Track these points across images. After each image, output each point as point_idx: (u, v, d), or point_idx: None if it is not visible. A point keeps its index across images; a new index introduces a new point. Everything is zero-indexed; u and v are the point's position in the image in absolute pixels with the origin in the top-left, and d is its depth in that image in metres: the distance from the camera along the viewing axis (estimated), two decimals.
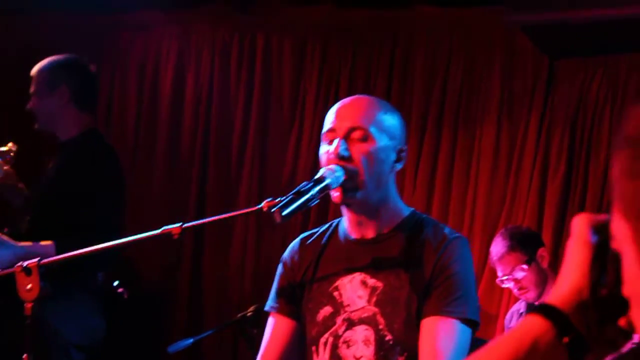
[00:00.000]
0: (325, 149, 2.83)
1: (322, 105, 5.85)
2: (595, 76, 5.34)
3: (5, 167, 4.42)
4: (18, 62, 5.50)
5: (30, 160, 4.68)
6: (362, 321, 2.82)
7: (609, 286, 1.28)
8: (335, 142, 2.79)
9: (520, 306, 4.87)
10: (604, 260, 1.29)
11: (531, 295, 4.67)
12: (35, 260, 2.89)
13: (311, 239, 3.01)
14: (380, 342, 2.79)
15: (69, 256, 3.02)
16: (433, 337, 2.72)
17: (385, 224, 2.87)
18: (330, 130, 2.83)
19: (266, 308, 3.03)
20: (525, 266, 4.64)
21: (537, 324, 1.31)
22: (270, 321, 3.01)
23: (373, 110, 2.86)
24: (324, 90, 5.94)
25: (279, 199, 2.68)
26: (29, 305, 2.88)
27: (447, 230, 2.86)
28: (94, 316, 4.38)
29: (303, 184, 2.73)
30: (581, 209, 5.24)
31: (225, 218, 3.02)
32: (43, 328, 3.92)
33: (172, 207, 6.13)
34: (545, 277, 4.67)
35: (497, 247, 4.71)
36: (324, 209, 5.47)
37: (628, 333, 1.28)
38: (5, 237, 4.13)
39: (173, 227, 2.83)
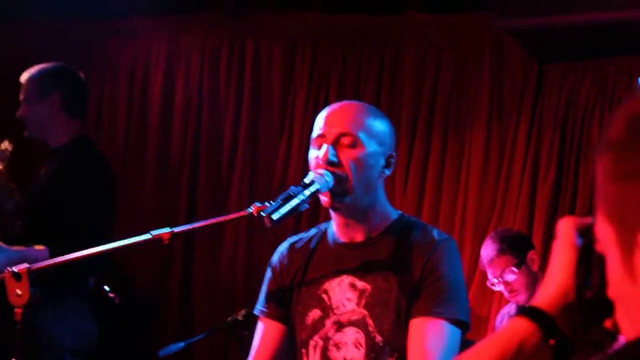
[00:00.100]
0: (315, 154, 2.84)
1: (312, 110, 5.85)
2: (584, 80, 5.35)
3: None
4: (7, 69, 5.50)
5: (21, 166, 4.67)
6: (351, 323, 2.83)
7: (594, 288, 1.29)
8: (324, 147, 2.80)
9: (510, 308, 4.87)
10: (589, 263, 1.30)
11: (522, 297, 4.67)
12: (25, 265, 2.90)
13: (300, 243, 3.02)
14: (370, 344, 2.80)
15: (60, 261, 3.03)
16: (422, 338, 2.73)
17: (373, 228, 2.88)
18: (320, 135, 2.84)
19: (255, 312, 3.03)
20: (515, 269, 4.65)
21: (524, 326, 1.32)
22: (260, 325, 3.02)
23: (362, 116, 2.86)
24: (314, 95, 5.95)
25: (268, 203, 2.69)
26: (18, 311, 2.88)
27: (435, 232, 2.87)
28: (87, 320, 4.38)
29: (292, 188, 2.74)
30: (571, 212, 5.25)
31: (215, 223, 3.02)
32: (36, 333, 3.93)
33: (162, 212, 6.13)
34: (536, 279, 4.67)
35: (487, 250, 4.71)
36: (315, 213, 5.47)
37: (613, 335, 1.29)
38: None
39: (163, 232, 2.84)
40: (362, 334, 2.81)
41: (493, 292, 5.08)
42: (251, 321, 3.31)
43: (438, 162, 5.65)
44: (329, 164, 2.78)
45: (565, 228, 1.36)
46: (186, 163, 6.21)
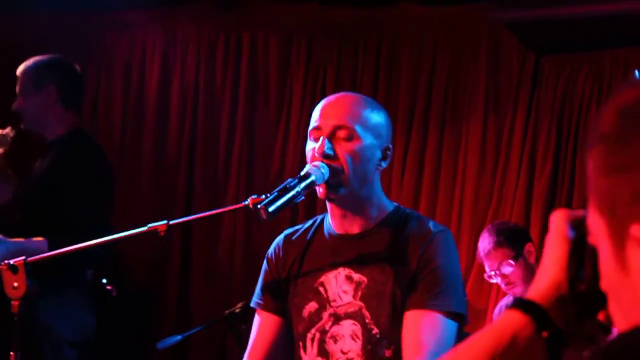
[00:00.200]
0: (311, 146, 2.83)
1: (308, 102, 5.86)
2: (581, 72, 5.35)
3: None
4: (3, 61, 5.48)
5: (17, 159, 4.67)
6: (348, 316, 2.83)
7: (586, 281, 1.29)
8: (320, 140, 2.80)
9: (508, 301, 4.87)
10: (582, 255, 1.30)
11: (519, 290, 4.67)
12: (22, 258, 2.90)
13: (296, 235, 3.01)
14: (367, 336, 2.80)
15: (56, 253, 3.03)
16: (416, 330, 2.73)
17: (369, 220, 2.88)
18: (316, 128, 2.83)
19: (252, 304, 3.03)
20: (512, 262, 4.65)
21: (517, 319, 1.32)
22: (257, 318, 3.02)
23: (359, 108, 2.85)
24: (310, 88, 5.95)
25: (264, 195, 2.69)
26: (15, 303, 2.88)
27: (431, 224, 2.87)
28: (85, 312, 4.38)
29: (288, 180, 2.74)
30: (568, 204, 5.26)
31: (211, 215, 3.03)
32: (34, 325, 3.93)
33: (159, 205, 6.13)
34: (533, 272, 4.66)
35: (484, 242, 4.71)
36: (312, 204, 5.48)
37: (607, 327, 1.29)
38: None
39: (159, 225, 2.84)
40: (358, 326, 2.82)
41: (490, 284, 5.08)
42: (249, 314, 3.31)
43: (435, 155, 5.65)
44: (325, 157, 2.78)
45: (558, 221, 1.36)
46: (183, 155, 6.21)
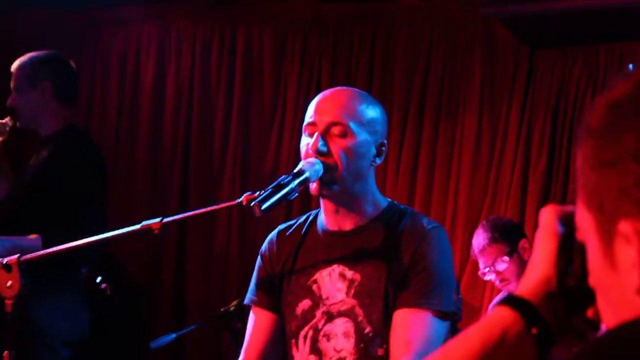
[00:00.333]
0: (306, 142, 2.83)
1: (303, 97, 5.86)
2: (575, 66, 5.36)
3: None
4: None
5: (12, 155, 4.67)
6: (341, 314, 2.82)
7: (575, 277, 1.29)
8: (314, 136, 2.79)
9: (504, 296, 4.87)
10: (571, 251, 1.30)
11: (513, 286, 4.65)
12: (15, 256, 2.89)
13: (289, 231, 3.00)
14: (360, 335, 2.79)
15: (51, 252, 3.02)
16: (404, 328, 2.72)
17: (363, 216, 2.87)
18: (311, 123, 2.82)
19: (246, 301, 3.02)
20: (506, 258, 4.64)
21: (506, 315, 1.31)
22: (251, 315, 3.01)
23: (354, 104, 2.84)
24: (305, 83, 5.96)
25: (258, 192, 2.69)
26: (9, 302, 2.87)
27: (425, 221, 2.86)
28: (80, 311, 4.38)
29: (282, 177, 2.73)
30: (563, 198, 5.26)
31: (205, 212, 3.02)
32: (28, 324, 3.92)
33: (154, 201, 6.14)
34: None
35: (479, 239, 4.70)
36: (307, 201, 5.47)
37: (595, 323, 1.29)
38: None
39: (153, 222, 2.82)
40: (351, 324, 2.81)
41: (485, 281, 5.08)
42: (244, 312, 3.31)
43: (430, 149, 5.65)
44: (319, 153, 2.77)
45: (547, 216, 1.35)
46: (178, 151, 6.21)
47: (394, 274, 2.77)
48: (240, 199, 2.71)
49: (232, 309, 4.06)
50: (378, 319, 2.78)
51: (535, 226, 4.98)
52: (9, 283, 2.86)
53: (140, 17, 6.28)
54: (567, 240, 1.31)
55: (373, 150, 2.85)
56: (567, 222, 1.31)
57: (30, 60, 4.49)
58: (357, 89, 3.01)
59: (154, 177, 6.26)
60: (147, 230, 2.82)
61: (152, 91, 6.28)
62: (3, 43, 6.04)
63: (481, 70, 5.56)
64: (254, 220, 5.73)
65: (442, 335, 2.76)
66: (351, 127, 2.79)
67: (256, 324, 2.98)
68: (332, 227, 2.90)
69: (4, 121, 4.45)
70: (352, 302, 2.81)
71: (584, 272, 1.24)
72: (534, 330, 1.30)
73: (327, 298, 2.85)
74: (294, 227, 3.01)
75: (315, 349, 2.85)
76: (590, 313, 1.29)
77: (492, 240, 4.64)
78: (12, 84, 4.47)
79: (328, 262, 2.87)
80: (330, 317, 2.84)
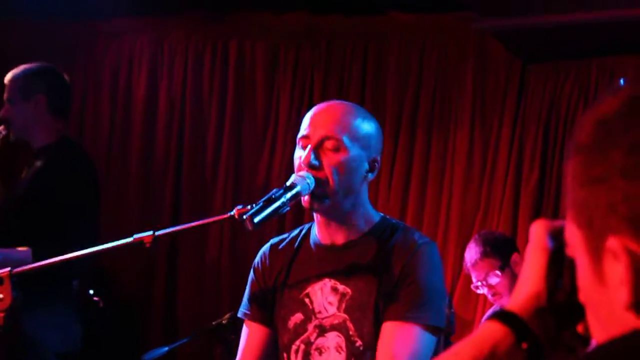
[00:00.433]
0: (299, 154, 2.83)
1: (295, 110, 5.87)
2: (567, 80, 5.37)
3: None
4: None
5: (3, 167, 4.67)
6: (333, 328, 2.82)
7: (565, 292, 1.29)
8: (307, 150, 2.80)
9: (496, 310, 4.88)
10: (561, 266, 1.30)
11: (505, 300, 4.65)
12: (7, 269, 2.88)
13: (282, 244, 3.00)
14: (351, 349, 2.79)
15: (43, 264, 3.01)
16: (390, 342, 2.71)
17: (355, 230, 2.87)
18: (305, 136, 2.82)
19: (239, 315, 3.03)
20: (499, 272, 4.64)
21: (496, 330, 1.32)
22: (245, 328, 3.01)
23: (348, 118, 2.84)
24: (298, 96, 5.96)
25: (250, 206, 2.69)
26: (1, 315, 2.87)
27: (416, 235, 2.85)
28: (72, 323, 4.38)
29: (274, 190, 2.73)
30: (555, 212, 5.26)
31: (197, 225, 3.02)
32: (21, 337, 3.92)
33: (146, 214, 6.13)
34: None
35: (471, 253, 4.71)
36: (299, 214, 5.47)
37: (585, 339, 1.29)
38: None
39: (145, 235, 2.82)
40: (342, 338, 2.81)
41: (477, 295, 5.08)
42: (237, 325, 3.31)
43: (422, 163, 5.66)
44: (310, 167, 2.77)
45: (537, 231, 1.35)
46: (170, 164, 6.21)
47: (384, 288, 2.77)
48: (232, 212, 2.71)
49: (224, 322, 4.06)
50: (369, 333, 2.77)
51: (527, 240, 4.99)
52: (1, 296, 2.85)
53: (133, 30, 6.28)
54: (557, 255, 1.31)
55: (366, 166, 2.85)
56: (557, 237, 1.32)
57: (24, 72, 4.49)
58: (353, 104, 3.01)
59: (146, 190, 6.25)
60: (139, 243, 2.82)
61: (144, 103, 6.28)
62: None
63: (473, 84, 5.56)
64: (246, 233, 5.71)
65: (430, 350, 2.75)
66: (344, 142, 2.79)
67: (249, 338, 2.98)
68: (325, 240, 2.90)
69: None
70: (343, 316, 2.81)
71: (573, 287, 1.24)
72: (524, 345, 1.31)
73: (319, 312, 2.85)
74: (286, 240, 3.01)
75: None
76: (580, 328, 1.29)
77: (484, 255, 4.65)
78: (5, 96, 4.48)
79: (320, 276, 2.87)
80: (322, 330, 2.84)
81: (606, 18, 4.72)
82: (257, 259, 3.03)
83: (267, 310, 2.96)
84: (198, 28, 6.21)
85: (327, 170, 2.78)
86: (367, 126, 2.86)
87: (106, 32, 6.35)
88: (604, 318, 1.15)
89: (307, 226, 3.03)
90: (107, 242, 2.92)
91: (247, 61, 6.11)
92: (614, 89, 1.17)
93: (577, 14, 4.73)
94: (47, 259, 2.97)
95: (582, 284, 1.19)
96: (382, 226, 2.89)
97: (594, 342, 1.23)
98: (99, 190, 4.53)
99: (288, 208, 2.74)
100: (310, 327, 2.86)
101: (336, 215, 2.85)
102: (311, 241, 2.95)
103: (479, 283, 4.70)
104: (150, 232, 2.81)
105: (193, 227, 2.99)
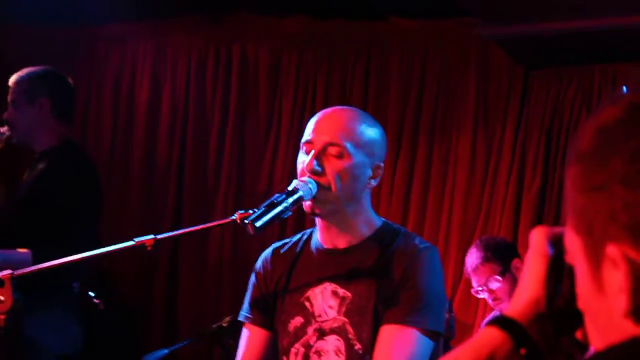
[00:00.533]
0: (302, 159, 2.84)
1: (298, 115, 5.87)
2: (570, 86, 5.37)
3: None
4: None
5: (5, 169, 4.67)
6: (332, 331, 2.83)
7: (564, 299, 1.30)
8: (310, 155, 2.80)
9: (496, 315, 4.87)
10: (561, 273, 1.31)
11: (506, 305, 4.66)
12: (8, 271, 2.89)
13: (284, 249, 3.02)
14: (350, 352, 2.80)
15: (43, 267, 3.01)
16: (388, 345, 2.72)
17: (357, 235, 2.88)
18: (308, 142, 2.83)
19: (240, 318, 3.03)
20: (499, 277, 4.65)
21: (495, 336, 1.32)
22: (244, 332, 3.02)
23: (353, 124, 2.84)
24: (300, 100, 5.96)
25: (251, 210, 2.69)
26: (1, 317, 2.87)
27: (417, 240, 2.86)
28: (72, 326, 4.38)
29: (276, 195, 2.74)
30: (557, 218, 5.26)
31: (198, 230, 3.02)
32: (22, 339, 3.91)
33: (148, 217, 6.13)
34: None
35: (472, 258, 4.72)
36: (301, 219, 5.47)
37: (584, 346, 1.30)
38: None
39: (147, 239, 2.83)
40: (342, 341, 2.81)
41: (478, 299, 5.08)
42: (236, 328, 3.31)
43: (424, 169, 5.65)
44: (313, 173, 2.78)
45: (537, 238, 1.36)
46: (172, 168, 6.21)
47: (384, 292, 2.78)
48: (234, 217, 2.72)
49: (225, 325, 4.06)
50: (368, 337, 2.78)
51: (528, 246, 4.98)
52: (2, 298, 2.86)
53: (135, 34, 6.29)
54: (557, 261, 1.31)
55: (369, 172, 2.86)
56: (557, 244, 1.32)
57: (28, 75, 4.49)
58: (357, 109, 3.01)
59: (148, 194, 6.26)
60: (141, 246, 2.83)
61: (147, 107, 6.29)
62: None
63: (475, 90, 5.56)
64: (247, 237, 5.72)
65: (427, 354, 2.75)
66: (347, 149, 2.79)
67: (249, 341, 2.99)
68: (326, 245, 2.91)
69: (1, 130, 4.46)
70: (343, 319, 2.82)
71: (573, 294, 1.24)
72: (522, 351, 1.31)
73: (319, 315, 2.86)
74: (288, 245, 3.02)
75: None
76: (579, 335, 1.29)
77: (485, 260, 4.66)
78: (9, 98, 4.48)
79: (321, 280, 2.88)
80: (322, 334, 2.85)
81: (607, 25, 4.72)
82: (259, 263, 3.03)
83: (268, 314, 2.97)
84: (200, 32, 6.21)
85: (330, 176, 2.79)
86: (371, 133, 2.87)
87: (108, 36, 6.35)
88: (603, 325, 1.15)
89: (308, 231, 3.04)
90: (108, 245, 2.92)
91: (249, 65, 6.11)
92: (615, 96, 1.17)
93: (578, 21, 4.73)
94: (48, 261, 2.97)
95: (581, 291, 1.20)
96: (383, 231, 2.90)
97: (592, 349, 1.23)
98: (101, 194, 4.53)
99: (290, 213, 2.75)
100: (310, 330, 2.86)
101: (338, 221, 2.86)
102: (313, 245, 2.96)
103: (480, 288, 4.71)
104: (152, 236, 2.82)
105: (195, 231, 3.00)
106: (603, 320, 1.15)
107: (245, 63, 6.12)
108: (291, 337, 2.89)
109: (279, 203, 2.70)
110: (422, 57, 5.71)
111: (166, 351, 4.22)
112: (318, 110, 3.01)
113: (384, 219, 2.97)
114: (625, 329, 1.11)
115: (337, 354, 2.82)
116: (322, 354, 2.84)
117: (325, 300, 2.86)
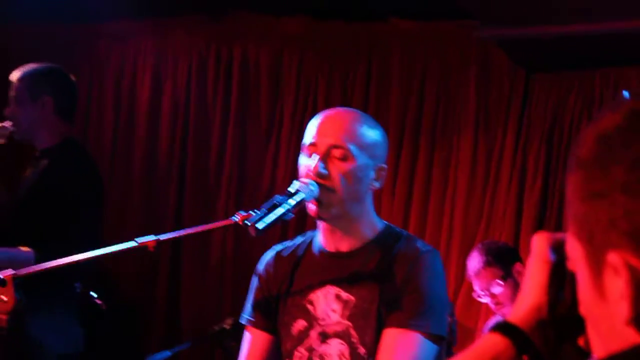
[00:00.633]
0: (305, 162, 2.84)
1: (299, 116, 5.87)
2: (571, 90, 5.37)
3: None
4: None
5: (7, 167, 4.67)
6: (336, 335, 2.83)
7: (566, 305, 1.30)
8: (315, 158, 2.80)
9: (497, 320, 4.87)
10: (563, 279, 1.31)
11: (507, 310, 4.66)
12: (10, 271, 2.88)
13: (286, 252, 3.02)
14: (354, 356, 2.80)
15: (45, 267, 3.01)
16: (392, 348, 2.72)
17: (359, 238, 2.88)
18: (311, 144, 2.83)
19: (242, 321, 3.03)
20: (501, 281, 4.65)
21: (497, 342, 1.32)
22: (247, 335, 3.01)
23: (356, 126, 2.85)
24: (302, 101, 5.96)
25: (253, 212, 2.69)
26: (4, 317, 2.87)
27: (419, 244, 2.86)
28: (74, 326, 4.38)
29: (277, 197, 2.73)
30: (558, 223, 5.25)
31: (200, 231, 3.02)
32: (24, 339, 3.92)
33: (149, 217, 6.13)
34: None
35: (474, 262, 4.72)
36: (302, 221, 5.47)
37: (586, 353, 1.30)
38: None
39: (149, 240, 2.83)
40: (345, 345, 2.81)
41: (480, 303, 5.08)
42: (239, 331, 3.31)
43: (425, 171, 5.65)
44: (319, 176, 2.78)
45: (539, 244, 1.36)
46: (174, 168, 6.21)
47: (386, 296, 2.78)
48: (236, 218, 2.72)
49: (227, 327, 4.06)
50: (371, 341, 2.78)
51: (530, 251, 4.98)
52: (4, 298, 2.85)
53: (137, 32, 6.29)
54: (559, 268, 1.31)
55: (372, 174, 2.86)
56: (559, 250, 1.32)
57: (32, 72, 4.48)
58: (359, 111, 3.02)
59: (150, 193, 6.26)
60: (143, 247, 2.83)
61: (148, 107, 6.29)
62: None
63: (476, 93, 5.56)
64: (249, 238, 5.72)
65: (430, 358, 2.75)
66: (351, 151, 2.80)
67: (252, 344, 2.99)
68: (329, 248, 2.91)
69: (4, 124, 4.45)
70: (346, 323, 2.82)
71: (575, 301, 1.24)
72: (524, 358, 1.31)
73: (322, 319, 2.85)
74: (290, 247, 3.03)
75: None
76: (581, 341, 1.30)
77: (487, 264, 4.66)
78: (12, 94, 4.46)
79: (323, 283, 2.88)
80: (325, 337, 2.85)
81: (608, 29, 4.71)
82: (261, 266, 3.03)
83: (270, 317, 2.97)
84: (201, 32, 6.21)
85: (335, 179, 2.79)
86: (373, 134, 2.87)
87: (109, 34, 6.35)
88: (604, 333, 1.15)
89: (310, 234, 3.04)
90: (110, 246, 2.92)
91: (251, 65, 6.11)
92: (616, 102, 1.17)
93: (580, 25, 4.73)
94: (50, 261, 2.97)
95: (582, 297, 1.20)
96: (386, 234, 2.90)
97: (594, 356, 1.23)
98: (102, 194, 4.53)
99: (292, 215, 2.75)
100: (313, 334, 2.87)
101: (342, 224, 2.87)
102: (315, 248, 2.96)
103: (482, 292, 4.71)
104: (154, 237, 2.82)
105: (197, 232, 3.00)
106: (605, 327, 1.15)
107: (246, 63, 6.12)
108: (294, 341, 2.89)
109: (281, 204, 2.70)
110: (422, 59, 5.71)
111: (168, 353, 4.21)
112: (319, 111, 3.01)
113: (386, 222, 2.97)
114: (627, 337, 1.11)
115: (340, 358, 2.82)
116: (326, 357, 2.84)
117: (327, 304, 2.86)
